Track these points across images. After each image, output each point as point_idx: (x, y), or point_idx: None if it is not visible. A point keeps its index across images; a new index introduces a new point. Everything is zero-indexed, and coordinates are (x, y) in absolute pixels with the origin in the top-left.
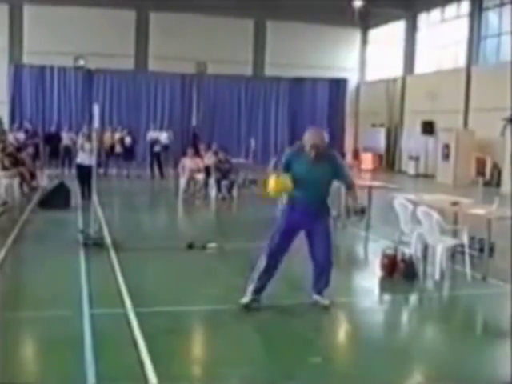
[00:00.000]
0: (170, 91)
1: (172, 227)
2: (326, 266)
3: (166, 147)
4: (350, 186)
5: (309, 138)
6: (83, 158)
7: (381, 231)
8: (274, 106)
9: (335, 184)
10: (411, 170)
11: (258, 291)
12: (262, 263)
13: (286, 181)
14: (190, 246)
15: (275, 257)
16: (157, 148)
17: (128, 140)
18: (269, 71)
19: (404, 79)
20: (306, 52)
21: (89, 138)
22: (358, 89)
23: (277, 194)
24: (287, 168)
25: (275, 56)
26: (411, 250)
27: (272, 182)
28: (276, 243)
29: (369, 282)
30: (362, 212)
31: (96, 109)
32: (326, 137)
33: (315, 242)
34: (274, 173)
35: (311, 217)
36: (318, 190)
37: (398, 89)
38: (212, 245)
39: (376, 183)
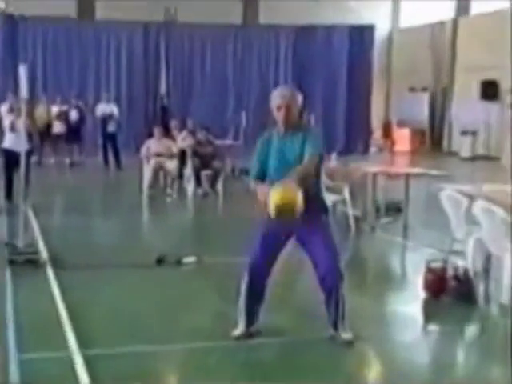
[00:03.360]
0: (128, 47)
1: (134, 236)
2: (332, 283)
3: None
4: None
5: (275, 95)
6: (13, 141)
7: (423, 236)
8: (272, 67)
9: (357, 171)
10: (466, 151)
11: (250, 321)
12: (243, 284)
13: (290, 188)
14: (160, 261)
15: (258, 274)
16: (111, 127)
17: (73, 115)
18: (265, 18)
19: (455, 23)
20: None
21: (19, 112)
22: (389, 39)
23: (288, 206)
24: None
25: None
26: (467, 262)
27: (275, 194)
28: (255, 256)
29: (408, 306)
30: (397, 210)
31: (22, 71)
32: (299, 96)
33: (313, 254)
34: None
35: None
36: (294, 167)
37: (447, 37)
38: (190, 259)
39: (415, 170)
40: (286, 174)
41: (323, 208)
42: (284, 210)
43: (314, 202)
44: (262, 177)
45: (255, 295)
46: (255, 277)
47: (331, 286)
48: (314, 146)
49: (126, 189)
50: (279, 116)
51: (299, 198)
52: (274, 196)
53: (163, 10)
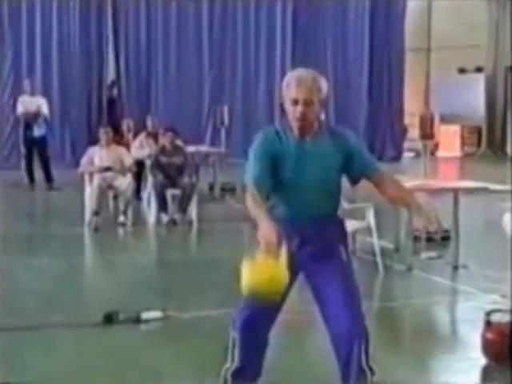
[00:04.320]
0: (60, 15)
1: (73, 284)
2: (350, 346)
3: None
4: (378, 178)
5: (290, 82)
6: None
7: (480, 277)
8: (264, 46)
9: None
10: None
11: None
12: (237, 348)
13: (278, 268)
14: (110, 319)
15: (254, 328)
16: (38, 130)
17: None
18: None
19: None
20: None
21: None
22: (428, 3)
23: (261, 292)
24: (268, 172)
25: None
26: None
27: (250, 269)
28: (250, 306)
29: (460, 376)
30: (443, 241)
31: None
32: (324, 83)
33: (324, 301)
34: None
35: (309, 248)
36: (318, 196)
37: None
38: (152, 314)
39: (468, 183)
40: (313, 197)
41: (341, 234)
42: (259, 293)
43: (331, 224)
44: (267, 194)
45: (251, 356)
46: (251, 331)
47: (350, 349)
48: (371, 157)
49: (60, 217)
50: (294, 113)
51: (281, 275)
52: (246, 273)
53: None
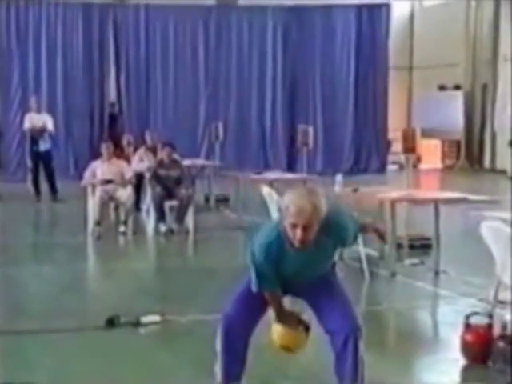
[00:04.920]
0: (64, 36)
1: (77, 289)
2: (346, 338)
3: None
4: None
5: (290, 207)
6: None
7: (460, 282)
8: (256, 60)
9: (370, 197)
10: None
11: None
12: (218, 343)
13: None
14: (112, 323)
15: (234, 329)
16: (44, 144)
17: None
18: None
19: None
20: None
21: None
22: (410, 20)
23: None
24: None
25: None
26: None
27: (280, 332)
28: (232, 307)
29: (442, 375)
30: (424, 248)
31: None
32: (322, 205)
33: (321, 305)
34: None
35: (302, 286)
36: (313, 276)
37: (487, 16)
38: (151, 318)
39: (448, 194)
40: (310, 277)
41: (332, 268)
42: (285, 349)
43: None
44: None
45: (233, 355)
46: (231, 333)
47: (345, 341)
48: (354, 230)
49: (64, 227)
50: (294, 235)
51: (302, 338)
52: (274, 334)
53: None
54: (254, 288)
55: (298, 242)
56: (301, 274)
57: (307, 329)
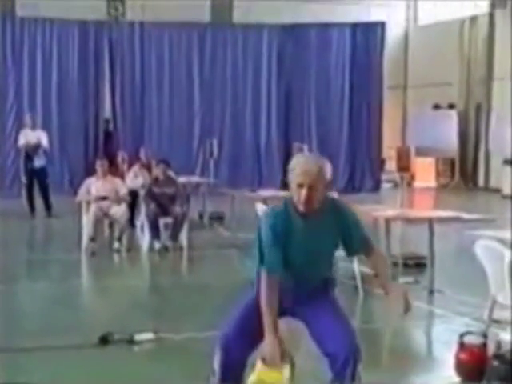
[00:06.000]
0: (59, 54)
1: (71, 306)
2: (348, 356)
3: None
4: (369, 253)
5: (296, 168)
6: None
7: (454, 301)
8: (251, 78)
9: (365, 215)
10: (509, 186)
11: None
12: (216, 362)
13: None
14: (105, 340)
15: (232, 349)
16: (39, 161)
17: None
18: (240, 15)
19: (492, 18)
20: None
21: None
22: (405, 40)
23: None
24: (279, 248)
25: None
26: None
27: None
28: (231, 326)
29: None
30: (419, 267)
31: None
32: (328, 169)
33: (321, 326)
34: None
35: (302, 303)
36: (317, 270)
37: (481, 36)
38: (145, 336)
39: (442, 213)
40: (314, 268)
41: (332, 283)
42: None
43: (324, 285)
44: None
45: (230, 373)
46: (230, 353)
47: (344, 363)
48: (363, 232)
49: (58, 243)
50: (299, 196)
51: (283, 376)
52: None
53: (105, 2)
54: (264, 269)
55: (302, 204)
56: (304, 263)
57: (292, 365)
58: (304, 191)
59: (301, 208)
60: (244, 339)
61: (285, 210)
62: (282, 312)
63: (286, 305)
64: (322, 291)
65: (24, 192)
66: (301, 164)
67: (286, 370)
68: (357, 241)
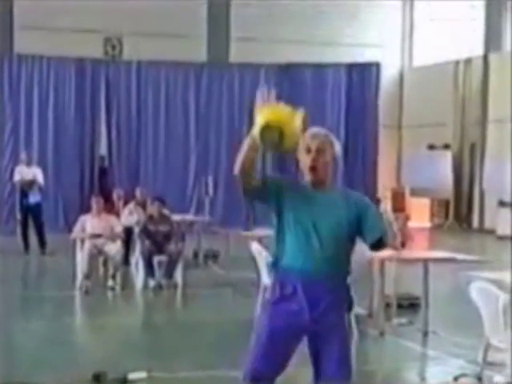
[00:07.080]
0: (56, 91)
1: (64, 344)
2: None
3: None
4: (386, 244)
5: (306, 135)
6: None
7: (449, 343)
8: (246, 115)
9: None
10: (504, 227)
11: None
12: None
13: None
14: (98, 379)
15: (265, 381)
16: (34, 197)
17: None
18: (237, 54)
19: (486, 60)
20: (305, 18)
21: None
22: (400, 80)
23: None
24: (275, 195)
25: (246, 27)
26: (507, 377)
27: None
28: (259, 363)
29: None
30: (413, 308)
31: None
32: (336, 142)
33: (320, 367)
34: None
35: (317, 308)
36: (329, 249)
37: (475, 78)
38: (138, 375)
39: (437, 253)
40: (323, 249)
41: (348, 300)
42: (270, 129)
43: (340, 288)
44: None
45: None
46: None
47: None
48: (380, 218)
49: (52, 280)
50: (307, 161)
51: (293, 117)
52: (260, 114)
53: (103, 40)
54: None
55: (310, 169)
56: (312, 229)
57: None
58: (312, 155)
59: (308, 177)
60: (272, 366)
61: (295, 180)
62: (299, 329)
63: (297, 285)
64: (338, 309)
65: (19, 229)
66: (310, 131)
67: (298, 118)
68: (372, 222)
